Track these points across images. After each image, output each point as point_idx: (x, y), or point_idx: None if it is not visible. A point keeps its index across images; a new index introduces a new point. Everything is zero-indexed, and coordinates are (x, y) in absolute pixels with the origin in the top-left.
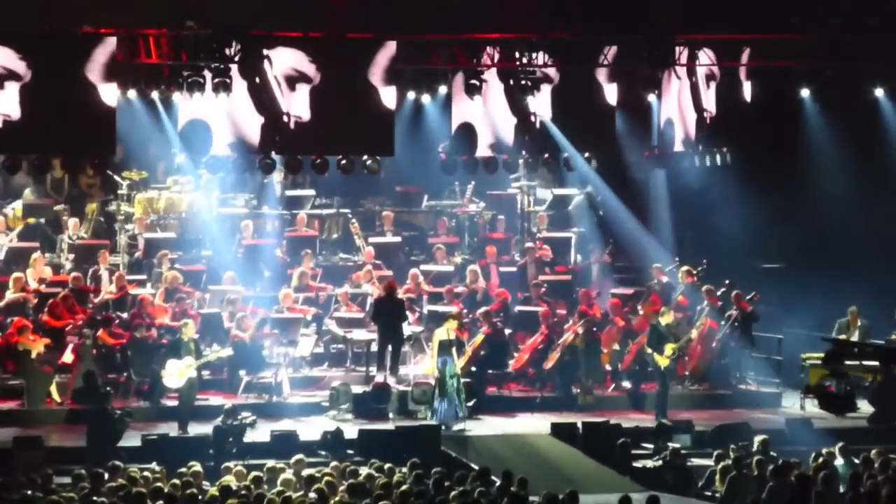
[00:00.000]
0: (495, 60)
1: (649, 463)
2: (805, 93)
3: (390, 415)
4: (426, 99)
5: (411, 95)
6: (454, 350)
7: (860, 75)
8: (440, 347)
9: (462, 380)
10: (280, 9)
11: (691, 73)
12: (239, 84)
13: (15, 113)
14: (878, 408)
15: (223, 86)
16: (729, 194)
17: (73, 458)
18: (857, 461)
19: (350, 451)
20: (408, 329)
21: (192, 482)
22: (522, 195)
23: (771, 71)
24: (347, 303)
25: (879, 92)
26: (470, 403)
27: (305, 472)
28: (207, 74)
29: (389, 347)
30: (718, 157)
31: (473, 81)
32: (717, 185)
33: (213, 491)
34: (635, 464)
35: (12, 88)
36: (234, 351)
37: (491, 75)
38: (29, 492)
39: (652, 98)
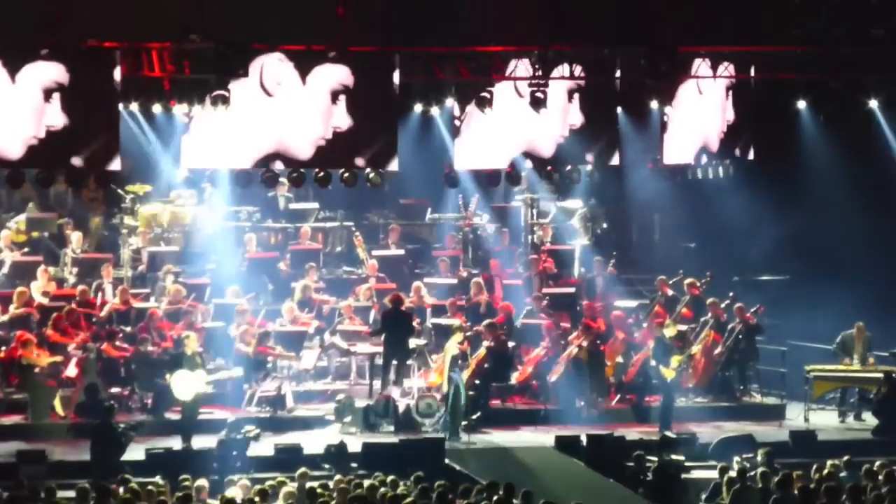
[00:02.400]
0: (503, 73)
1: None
2: (802, 104)
3: (392, 428)
4: (435, 111)
5: (418, 108)
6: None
7: (858, 87)
8: (453, 362)
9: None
10: (283, 22)
11: (694, 85)
12: (242, 97)
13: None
14: (882, 419)
15: (221, 99)
16: (732, 206)
17: (77, 472)
18: (861, 473)
19: (354, 465)
20: (411, 342)
21: (195, 496)
22: (526, 208)
23: (769, 82)
24: (351, 316)
25: (874, 103)
26: (474, 417)
27: (309, 485)
28: (208, 88)
29: (394, 361)
30: (721, 170)
31: (484, 94)
32: (720, 196)
33: None
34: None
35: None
36: (236, 364)
37: (498, 88)
38: None
39: (655, 110)
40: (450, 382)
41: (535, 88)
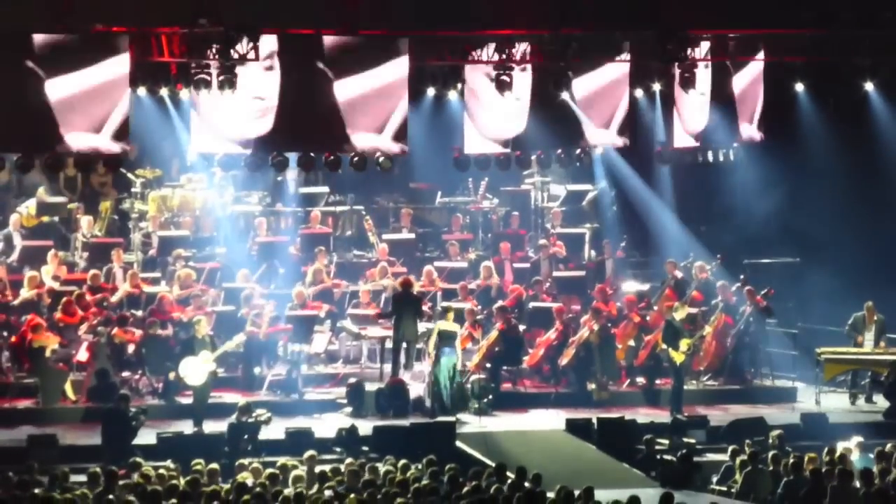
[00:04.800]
0: (518, 56)
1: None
2: (804, 87)
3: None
4: (452, 95)
5: (430, 92)
6: (455, 343)
7: (857, 69)
8: (441, 338)
9: (475, 376)
10: (293, 6)
11: (702, 67)
12: (250, 81)
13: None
14: (894, 402)
15: (228, 83)
16: (741, 189)
17: (88, 456)
18: (872, 456)
19: (365, 448)
20: (421, 326)
21: (207, 480)
22: (536, 191)
23: (774, 65)
24: (369, 301)
25: (870, 86)
26: (485, 399)
27: (319, 468)
28: (214, 72)
29: (404, 344)
30: (731, 153)
31: (504, 77)
32: (729, 179)
33: (228, 488)
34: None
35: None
36: (247, 347)
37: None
38: (38, 490)
39: (664, 93)
40: (437, 361)
41: (557, 72)
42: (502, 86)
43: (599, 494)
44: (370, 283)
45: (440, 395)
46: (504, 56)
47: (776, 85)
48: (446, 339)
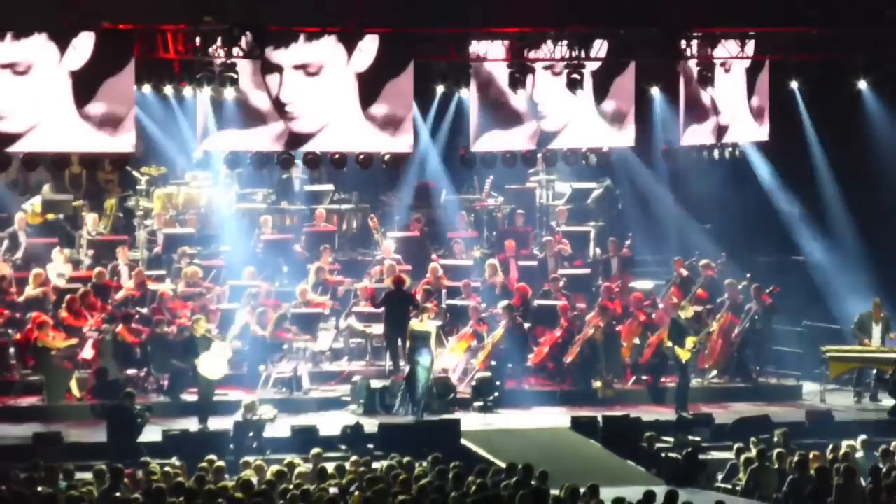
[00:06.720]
0: (528, 54)
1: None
2: (810, 84)
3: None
4: (464, 93)
5: (439, 89)
6: (431, 343)
7: (852, 68)
8: (413, 338)
9: (482, 374)
10: (298, 3)
11: (707, 66)
12: (254, 78)
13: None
14: None
15: (230, 80)
16: (748, 187)
17: (93, 453)
18: (877, 454)
19: (370, 446)
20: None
21: (213, 478)
22: (541, 189)
23: (777, 63)
24: (367, 299)
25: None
26: (490, 398)
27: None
28: (218, 69)
29: (399, 341)
30: (737, 151)
31: (518, 75)
32: (735, 177)
33: (233, 485)
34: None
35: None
36: (253, 345)
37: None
38: (41, 488)
39: (670, 91)
40: (412, 361)
41: (571, 70)
42: (514, 83)
43: (604, 492)
44: (374, 280)
45: (414, 395)
46: (514, 54)
47: (773, 83)
48: (419, 339)
